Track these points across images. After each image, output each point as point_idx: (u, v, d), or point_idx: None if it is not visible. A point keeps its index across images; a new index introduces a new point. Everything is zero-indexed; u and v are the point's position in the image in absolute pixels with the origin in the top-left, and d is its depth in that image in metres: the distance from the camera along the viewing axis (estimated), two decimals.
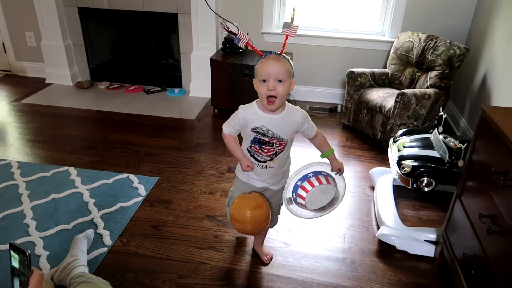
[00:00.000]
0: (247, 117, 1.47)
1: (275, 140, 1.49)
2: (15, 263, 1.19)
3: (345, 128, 3.27)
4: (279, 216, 1.84)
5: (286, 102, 1.49)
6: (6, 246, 1.89)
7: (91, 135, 3.06)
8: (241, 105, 1.52)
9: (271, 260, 1.90)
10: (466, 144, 1.96)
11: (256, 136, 1.49)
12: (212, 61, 3.28)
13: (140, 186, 2.38)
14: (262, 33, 3.57)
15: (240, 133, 1.57)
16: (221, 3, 3.51)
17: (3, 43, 4.05)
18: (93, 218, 2.11)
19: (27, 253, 1.19)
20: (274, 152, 1.53)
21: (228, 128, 1.54)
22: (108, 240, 1.96)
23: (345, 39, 3.49)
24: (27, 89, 3.82)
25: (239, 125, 1.50)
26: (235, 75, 3.22)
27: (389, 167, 2.38)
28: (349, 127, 3.24)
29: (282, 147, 1.53)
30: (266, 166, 1.57)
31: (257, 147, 1.52)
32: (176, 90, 3.85)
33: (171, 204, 2.27)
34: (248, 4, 3.50)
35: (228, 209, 1.71)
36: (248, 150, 1.56)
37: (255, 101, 1.51)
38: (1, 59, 4.15)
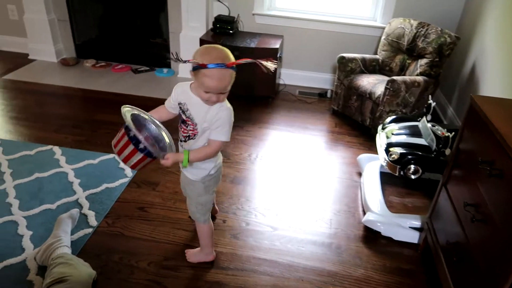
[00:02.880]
0: (178, 93, 1.46)
1: (190, 123, 1.45)
2: None
3: (334, 114, 3.27)
4: (202, 217, 1.68)
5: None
6: None
7: (77, 114, 2.99)
8: (180, 83, 1.49)
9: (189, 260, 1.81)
10: (453, 133, 1.98)
11: (179, 112, 1.48)
12: (202, 41, 3.21)
13: (127, 167, 2.34)
14: (253, 15, 3.51)
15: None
16: None
17: None
18: (78, 198, 2.07)
19: None
20: (187, 134, 1.48)
21: (168, 101, 1.53)
22: (93, 221, 1.94)
23: (336, 23, 3.46)
24: (9, 65, 3.70)
25: (174, 100, 1.48)
26: None
27: (377, 153, 2.40)
28: (338, 112, 3.23)
29: (194, 133, 1.46)
30: (182, 145, 1.54)
31: (180, 123, 1.50)
32: (165, 70, 3.77)
33: (159, 186, 2.25)
34: None
35: None
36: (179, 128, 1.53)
37: (191, 82, 1.44)
38: None
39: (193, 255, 1.80)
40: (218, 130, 1.44)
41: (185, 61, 1.32)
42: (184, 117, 1.46)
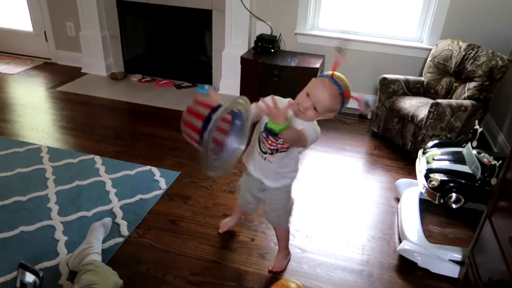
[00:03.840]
0: (277, 102, 1.38)
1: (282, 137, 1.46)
2: (26, 279, 1.20)
3: (374, 136, 3.17)
4: (289, 220, 1.77)
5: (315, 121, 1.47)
6: (30, 228, 1.95)
7: (120, 126, 3.12)
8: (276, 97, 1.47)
9: (276, 272, 1.82)
10: (501, 161, 1.84)
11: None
12: (243, 59, 3.26)
13: (161, 179, 2.40)
14: (295, 34, 3.52)
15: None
16: (256, 1, 3.48)
17: (44, 32, 4.21)
18: (113, 207, 2.13)
19: (41, 275, 1.20)
20: (276, 147, 1.51)
21: (261, 100, 1.41)
22: (125, 231, 1.98)
23: (380, 44, 3.38)
24: (64, 77, 3.95)
25: (267, 104, 1.37)
26: (264, 74, 3.19)
27: (417, 179, 2.28)
28: (378, 135, 3.13)
29: (285, 147, 1.50)
30: (265, 158, 1.55)
31: (265, 135, 1.51)
32: (206, 86, 3.86)
33: (190, 200, 2.26)
34: (282, 4, 3.46)
35: (239, 195, 1.84)
36: (259, 136, 1.55)
37: (289, 99, 1.50)
38: (42, 47, 4.31)
39: (280, 264, 1.83)
40: (307, 132, 1.43)
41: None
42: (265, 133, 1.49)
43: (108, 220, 1.96)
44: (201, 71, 3.95)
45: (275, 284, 1.68)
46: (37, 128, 2.97)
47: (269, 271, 1.82)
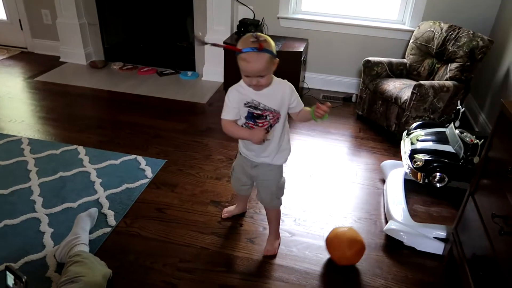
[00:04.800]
0: (237, 95, 1.50)
1: (268, 112, 1.52)
2: (10, 282, 1.22)
3: (358, 119, 3.20)
4: (281, 199, 1.81)
5: (273, 76, 1.50)
6: (14, 221, 1.91)
7: (102, 115, 3.06)
8: (229, 88, 1.55)
9: (269, 256, 1.84)
10: (483, 140, 1.87)
11: (249, 111, 1.52)
12: (226, 44, 3.21)
13: (147, 168, 2.37)
14: (278, 18, 3.49)
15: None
16: None
17: (19, 20, 4.07)
18: (99, 198, 2.11)
19: (24, 279, 1.21)
20: (269, 124, 1.55)
21: (228, 113, 1.54)
22: (112, 221, 1.96)
23: (363, 27, 3.39)
24: (42, 67, 3.84)
25: (235, 105, 1.52)
26: None
27: (402, 160, 2.32)
28: (363, 117, 3.16)
29: (275, 118, 1.54)
30: (264, 139, 1.55)
31: (251, 122, 1.54)
32: (189, 73, 3.81)
33: (177, 187, 2.25)
34: None
35: (231, 179, 1.88)
36: (244, 127, 1.57)
37: (241, 80, 1.52)
38: (17, 36, 4.17)
39: (272, 247, 1.85)
40: (297, 99, 1.55)
41: (208, 43, 1.42)
42: (259, 112, 1.51)
43: (94, 210, 1.93)
44: (183, 58, 3.89)
45: (331, 233, 1.81)
46: (16, 120, 2.89)
47: (264, 256, 1.84)
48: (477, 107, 3.14)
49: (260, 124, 1.54)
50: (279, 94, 1.51)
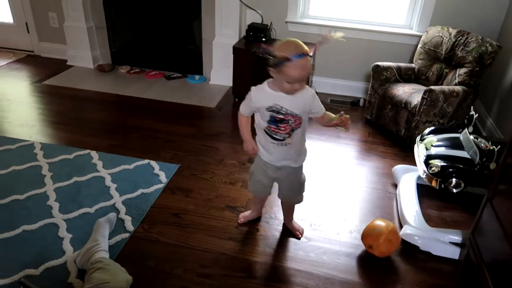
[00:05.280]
0: (260, 98, 1.55)
1: (290, 117, 1.55)
2: None
3: (367, 123, 3.22)
4: (303, 194, 1.91)
5: None
6: (32, 227, 1.92)
7: (111, 119, 3.06)
8: (253, 86, 1.59)
9: (303, 234, 2.00)
10: (499, 146, 1.90)
11: (272, 115, 1.55)
12: (236, 49, 3.23)
13: (161, 173, 2.38)
14: (286, 22, 3.51)
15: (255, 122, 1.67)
16: None
17: (26, 23, 4.06)
18: (115, 203, 2.11)
19: None
20: (291, 128, 1.59)
21: (244, 108, 1.63)
22: (130, 226, 1.96)
23: (370, 32, 3.41)
24: (49, 71, 3.84)
25: (254, 105, 1.57)
26: (257, 63, 3.17)
27: (413, 164, 2.34)
28: (371, 122, 3.18)
29: (298, 123, 1.58)
30: (286, 143, 1.62)
31: (273, 126, 1.58)
32: (197, 77, 3.82)
33: (192, 192, 2.26)
34: None
35: (249, 182, 1.90)
36: (265, 131, 1.61)
37: (266, 81, 1.57)
38: (24, 39, 4.16)
39: (299, 226, 2.02)
40: (319, 104, 1.60)
41: (273, 56, 1.43)
42: (281, 116, 1.55)
43: (112, 215, 1.94)
44: (190, 61, 3.90)
45: (367, 226, 1.91)
46: (27, 124, 2.89)
47: (299, 238, 1.97)
48: (485, 112, 3.17)
49: (282, 128, 1.58)
50: (301, 99, 1.55)
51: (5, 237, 1.85)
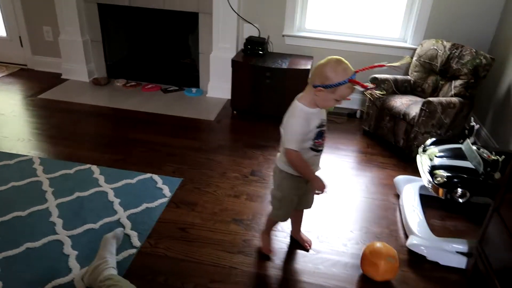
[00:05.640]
0: (311, 120, 1.57)
1: (325, 125, 1.65)
2: None
3: (365, 135, 3.26)
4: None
5: None
6: (35, 244, 1.87)
7: (110, 133, 3.03)
8: (289, 119, 1.59)
9: (311, 246, 2.01)
10: (503, 156, 1.94)
11: (320, 130, 1.61)
12: (234, 62, 3.25)
13: (164, 187, 2.36)
14: (283, 36, 3.55)
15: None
16: (243, 4, 3.49)
17: (19, 37, 4.02)
18: (120, 218, 2.08)
19: None
20: (324, 142, 1.68)
21: (295, 143, 1.56)
22: (136, 241, 1.93)
23: (365, 44, 3.47)
24: (43, 84, 3.79)
25: (308, 129, 1.57)
26: (256, 77, 3.20)
27: (413, 174, 2.37)
28: (369, 133, 3.22)
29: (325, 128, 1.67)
30: (321, 151, 1.69)
31: (319, 140, 1.63)
32: (193, 90, 3.82)
33: (197, 206, 2.24)
34: (270, 6, 3.48)
35: (279, 212, 1.81)
36: (311, 148, 1.63)
37: (298, 104, 1.57)
38: (17, 53, 4.12)
39: (309, 239, 2.03)
40: None
41: (369, 89, 1.53)
42: (324, 128, 1.63)
43: (120, 231, 1.90)
44: (187, 75, 3.91)
45: (367, 247, 1.86)
46: (24, 139, 2.84)
47: (308, 250, 1.98)
48: (479, 122, 3.24)
49: (324, 138, 1.66)
50: (322, 112, 1.64)
51: (9, 255, 1.80)
